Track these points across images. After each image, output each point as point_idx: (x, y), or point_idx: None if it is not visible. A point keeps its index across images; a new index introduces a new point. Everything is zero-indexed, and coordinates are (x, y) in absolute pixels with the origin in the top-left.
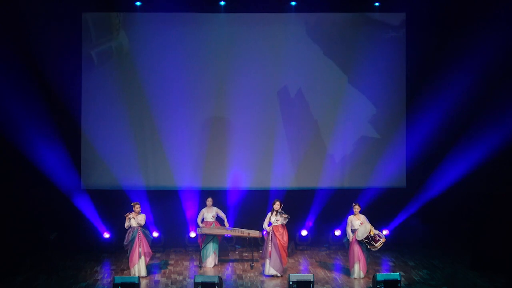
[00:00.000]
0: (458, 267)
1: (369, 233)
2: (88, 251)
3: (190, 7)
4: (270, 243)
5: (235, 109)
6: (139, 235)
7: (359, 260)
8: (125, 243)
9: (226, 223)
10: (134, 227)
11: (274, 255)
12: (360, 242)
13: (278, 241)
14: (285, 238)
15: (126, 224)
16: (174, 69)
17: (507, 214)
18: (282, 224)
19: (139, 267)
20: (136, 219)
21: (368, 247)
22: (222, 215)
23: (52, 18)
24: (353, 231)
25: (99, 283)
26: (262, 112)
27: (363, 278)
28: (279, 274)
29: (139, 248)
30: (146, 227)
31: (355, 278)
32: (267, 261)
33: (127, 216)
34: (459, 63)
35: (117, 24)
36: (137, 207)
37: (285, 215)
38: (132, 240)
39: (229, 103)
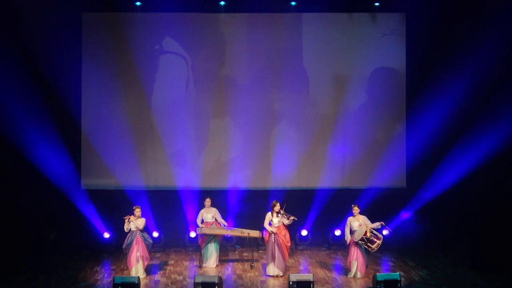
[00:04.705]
0: (458, 267)
1: (365, 234)
2: (88, 251)
3: (190, 7)
4: (274, 245)
5: (235, 108)
6: (137, 239)
7: (357, 260)
8: (123, 246)
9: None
10: (133, 230)
11: (279, 255)
12: (358, 244)
13: (281, 241)
14: (288, 237)
15: (126, 227)
16: (174, 69)
17: (507, 214)
18: (283, 224)
19: (136, 270)
20: (134, 222)
21: (366, 248)
22: (221, 220)
23: (52, 18)
24: (353, 232)
25: (99, 283)
26: (262, 112)
27: (360, 278)
28: (282, 274)
29: (137, 252)
30: (146, 231)
31: (351, 278)
32: (272, 262)
33: (126, 219)
34: (459, 63)
35: (117, 24)
36: (137, 211)
37: (292, 217)
38: (130, 243)
39: (229, 103)
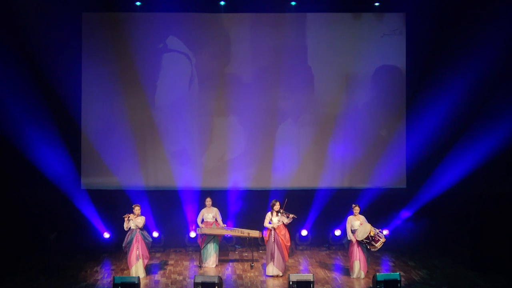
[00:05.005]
0: (458, 267)
1: (369, 233)
2: (88, 251)
3: (190, 7)
4: (273, 244)
5: (235, 109)
6: (137, 237)
7: (359, 260)
8: (123, 245)
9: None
10: (133, 229)
11: (278, 255)
12: (360, 243)
13: (281, 241)
14: (287, 237)
15: (125, 226)
16: (177, 68)
17: (507, 214)
18: (283, 224)
19: (136, 268)
20: (134, 221)
21: (368, 247)
22: (220, 221)
23: (52, 18)
24: (353, 231)
25: (99, 283)
26: (262, 112)
27: (363, 278)
28: (281, 274)
29: (136, 250)
30: (146, 230)
31: (354, 278)
32: (271, 262)
33: (125, 217)
34: (459, 63)
35: (117, 24)
36: (137, 209)
37: (292, 215)
38: (130, 242)
39: (229, 103)
